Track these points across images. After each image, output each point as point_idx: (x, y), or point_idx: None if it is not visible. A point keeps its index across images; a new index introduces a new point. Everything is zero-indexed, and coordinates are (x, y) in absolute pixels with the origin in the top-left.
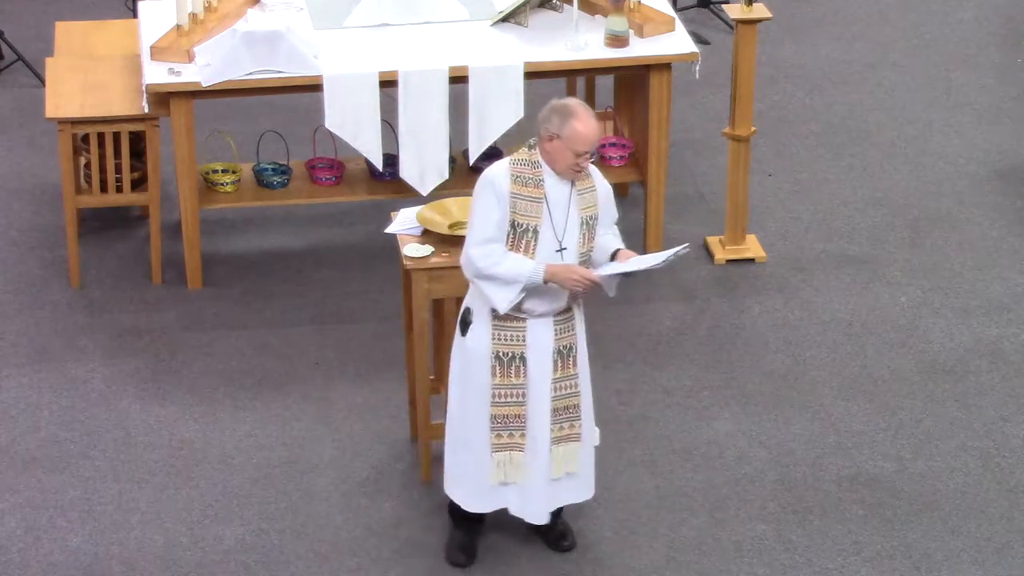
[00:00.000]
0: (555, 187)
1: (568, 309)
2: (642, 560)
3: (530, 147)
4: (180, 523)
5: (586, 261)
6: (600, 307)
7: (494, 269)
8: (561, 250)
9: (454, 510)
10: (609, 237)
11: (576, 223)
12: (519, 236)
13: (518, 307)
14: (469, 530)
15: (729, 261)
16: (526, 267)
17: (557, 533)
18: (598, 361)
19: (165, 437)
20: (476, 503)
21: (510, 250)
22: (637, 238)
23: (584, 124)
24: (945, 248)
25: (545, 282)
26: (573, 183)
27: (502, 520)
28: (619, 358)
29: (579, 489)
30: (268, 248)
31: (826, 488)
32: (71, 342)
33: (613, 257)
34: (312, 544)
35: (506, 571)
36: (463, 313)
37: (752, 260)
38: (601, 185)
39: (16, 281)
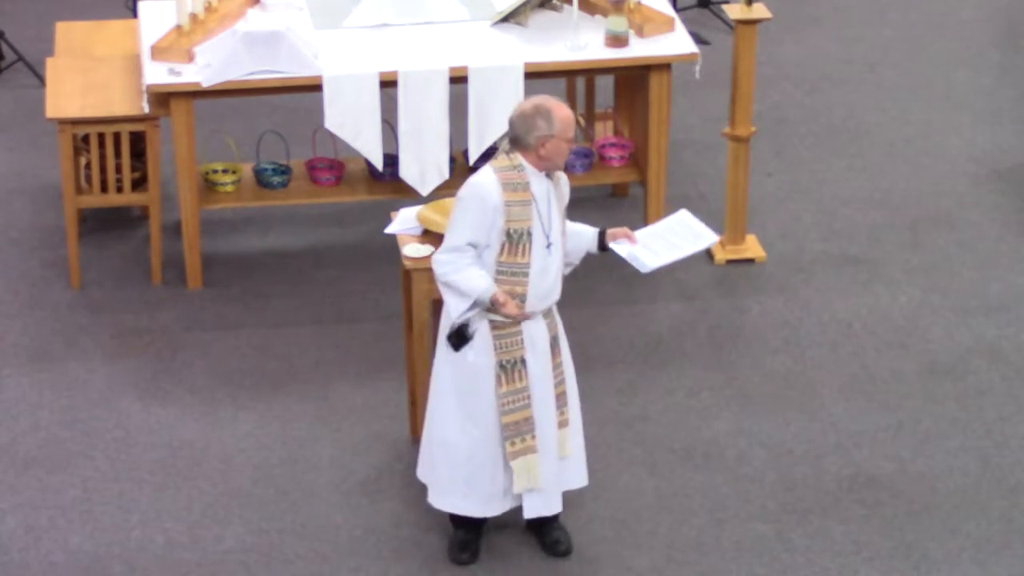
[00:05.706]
0: (538, 186)
1: None
2: (642, 560)
3: (507, 152)
4: (180, 523)
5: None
6: (600, 307)
7: (452, 276)
8: (549, 245)
9: None
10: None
11: (558, 216)
12: (515, 242)
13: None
14: (470, 530)
15: (729, 261)
16: (480, 285)
17: (553, 538)
18: (598, 361)
19: (165, 437)
20: (482, 508)
21: (506, 257)
22: None
23: (563, 110)
24: (945, 248)
25: (492, 304)
26: (551, 177)
27: (503, 520)
28: (619, 358)
29: (575, 475)
30: (268, 248)
31: (826, 488)
32: (71, 342)
33: (603, 237)
34: (312, 544)
35: (506, 571)
36: (459, 328)
37: (752, 260)
38: (562, 172)
39: (17, 281)
